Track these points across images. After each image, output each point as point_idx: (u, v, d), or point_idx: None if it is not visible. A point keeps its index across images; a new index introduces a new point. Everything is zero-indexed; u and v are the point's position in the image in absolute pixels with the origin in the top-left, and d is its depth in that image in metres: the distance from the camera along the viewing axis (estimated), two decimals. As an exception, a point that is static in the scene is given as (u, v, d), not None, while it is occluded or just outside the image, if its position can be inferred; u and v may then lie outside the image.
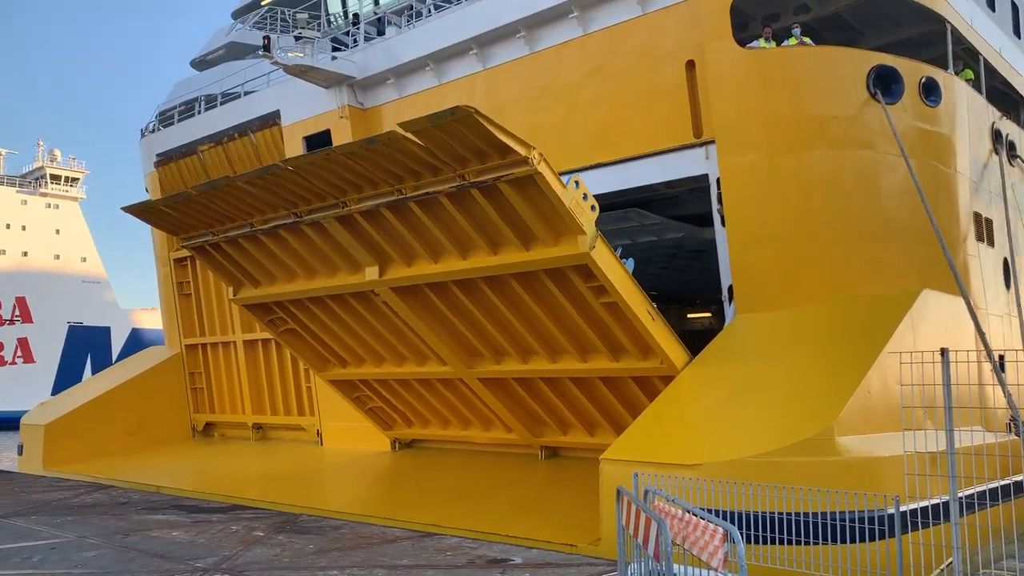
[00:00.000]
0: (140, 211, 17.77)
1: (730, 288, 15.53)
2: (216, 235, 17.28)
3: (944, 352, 9.39)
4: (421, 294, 15.95)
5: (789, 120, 14.89)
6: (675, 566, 6.10)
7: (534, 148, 12.03)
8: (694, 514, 6.32)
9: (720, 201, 15.47)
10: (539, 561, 10.78)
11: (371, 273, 15.87)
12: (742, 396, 12.63)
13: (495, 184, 12.68)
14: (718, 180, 15.48)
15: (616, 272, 13.68)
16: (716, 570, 5.85)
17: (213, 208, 16.35)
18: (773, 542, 9.34)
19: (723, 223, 15.53)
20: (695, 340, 38.82)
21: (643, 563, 6.86)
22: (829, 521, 9.50)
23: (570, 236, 13.11)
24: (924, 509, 10.10)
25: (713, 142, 15.51)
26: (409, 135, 12.34)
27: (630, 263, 14.46)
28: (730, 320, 15.39)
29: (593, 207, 12.94)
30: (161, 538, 12.68)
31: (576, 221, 12.70)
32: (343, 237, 15.47)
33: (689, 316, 39.20)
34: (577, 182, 12.59)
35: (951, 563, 9.91)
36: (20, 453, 25.67)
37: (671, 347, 14.59)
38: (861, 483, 10.26)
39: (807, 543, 9.51)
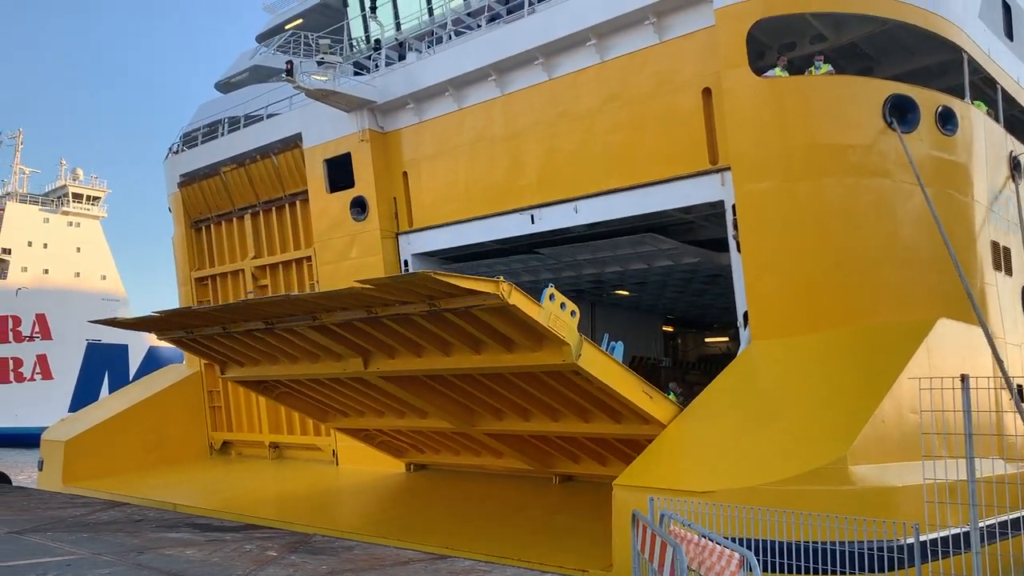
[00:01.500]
0: (112, 323, 18.43)
1: (745, 314, 15.58)
2: (190, 333, 17.08)
3: (964, 378, 9.39)
4: (411, 377, 15.70)
5: (805, 148, 15.00)
6: None
7: (502, 282, 11.47)
8: (710, 539, 6.29)
9: (736, 227, 15.57)
10: None
11: (355, 365, 15.61)
12: (756, 423, 12.65)
13: (467, 311, 12.32)
14: (734, 207, 15.59)
15: (606, 370, 13.31)
16: None
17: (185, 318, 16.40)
18: (789, 570, 9.34)
19: (739, 249, 15.62)
20: (713, 364, 38.97)
21: None
22: (847, 549, 9.47)
23: (554, 347, 12.79)
24: (944, 539, 10.11)
25: (729, 169, 15.65)
26: (371, 289, 12.08)
27: (619, 348, 14.32)
28: (745, 346, 15.43)
29: (573, 312, 12.50)
30: (175, 556, 12.67)
31: (557, 335, 12.33)
32: (320, 339, 15.09)
33: (707, 340, 39.19)
34: (553, 294, 12.20)
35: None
36: (40, 468, 25.93)
37: (669, 415, 14.14)
38: (874, 512, 10.18)
39: (825, 571, 9.50)
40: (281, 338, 15.55)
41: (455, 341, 13.78)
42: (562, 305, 12.33)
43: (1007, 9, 19.19)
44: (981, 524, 9.73)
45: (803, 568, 9.21)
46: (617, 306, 30.24)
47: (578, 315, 12.66)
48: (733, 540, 9.58)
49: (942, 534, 10.26)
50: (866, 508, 10.37)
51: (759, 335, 15.06)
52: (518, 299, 11.60)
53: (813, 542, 9.39)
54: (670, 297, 27.99)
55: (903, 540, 10.04)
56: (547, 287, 12.27)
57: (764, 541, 9.42)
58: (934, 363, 13.14)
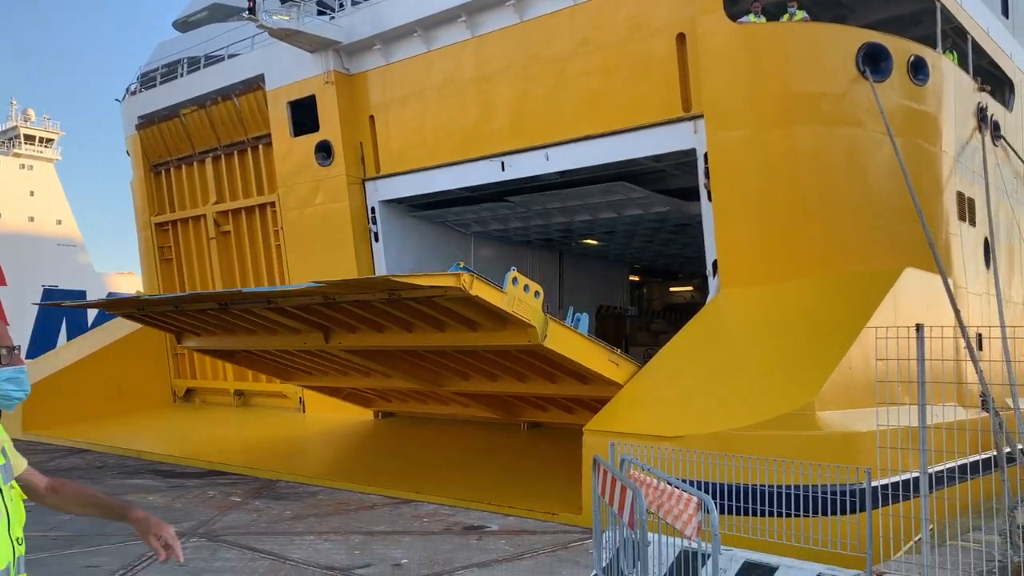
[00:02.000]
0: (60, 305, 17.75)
1: (715, 263, 15.62)
2: (142, 309, 16.70)
3: (919, 327, 9.56)
4: (374, 349, 15.48)
5: (778, 96, 14.91)
6: (649, 534, 6.18)
7: (463, 275, 11.37)
8: (669, 483, 6.38)
9: (707, 175, 15.50)
10: (515, 528, 10.90)
11: (315, 340, 15.31)
12: (724, 370, 12.74)
13: (429, 299, 12.23)
14: (706, 155, 15.50)
15: (572, 346, 13.16)
16: (690, 538, 5.94)
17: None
18: (747, 512, 9.47)
19: (709, 198, 15.58)
20: (678, 313, 39.24)
21: (618, 531, 6.95)
22: (803, 493, 9.61)
23: (519, 329, 12.58)
24: (896, 484, 10.32)
25: (702, 116, 15.52)
26: (329, 289, 12.02)
27: (584, 320, 14.14)
28: (713, 294, 15.49)
29: (537, 293, 12.37)
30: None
31: (522, 318, 12.17)
32: (278, 319, 14.79)
33: (672, 289, 39.44)
34: (516, 278, 12.03)
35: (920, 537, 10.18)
36: (-2, 416, 25.45)
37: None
38: (839, 457, 10.31)
39: (781, 515, 9.64)
40: (235, 317, 15.21)
41: (417, 322, 13.62)
42: (525, 287, 12.18)
43: (979, -43, 19.10)
44: (932, 470, 10.05)
45: (761, 511, 9.31)
46: (585, 255, 30.22)
47: (542, 295, 12.53)
48: (697, 484, 9.74)
49: (894, 479, 10.46)
50: (831, 453, 10.53)
51: (728, 283, 15.12)
52: (480, 289, 11.49)
53: (770, 486, 9.53)
54: (638, 246, 28.01)
55: (858, 484, 10.25)
56: (510, 271, 12.14)
57: (726, 485, 9.61)
58: (900, 312, 13.29)
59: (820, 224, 14.82)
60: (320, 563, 8.99)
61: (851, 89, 14.96)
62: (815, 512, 9.48)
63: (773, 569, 6.73)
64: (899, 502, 10.53)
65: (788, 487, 9.51)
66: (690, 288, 39.87)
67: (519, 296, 11.99)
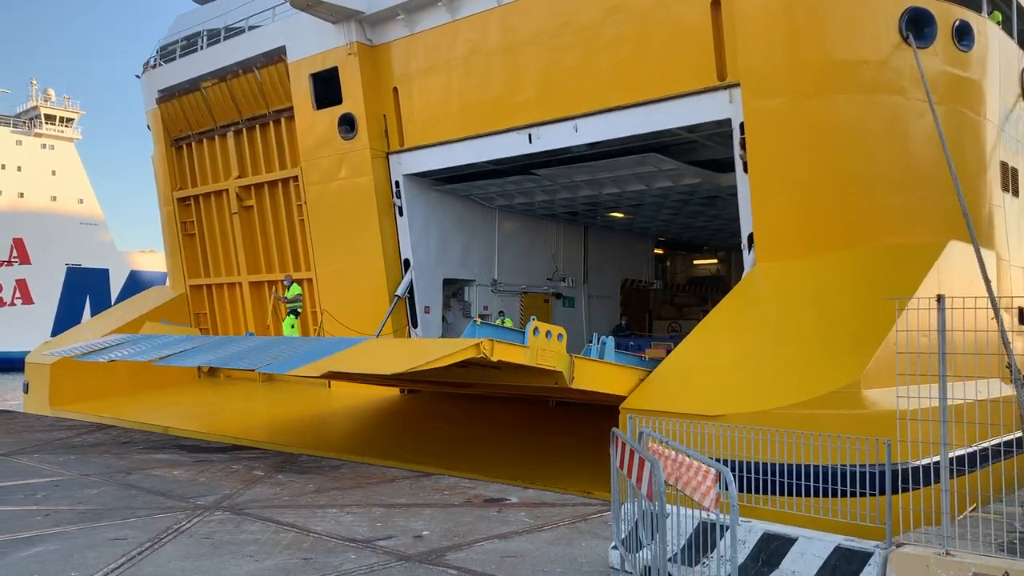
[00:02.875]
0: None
1: (750, 236, 15.21)
2: None
3: (940, 298, 9.46)
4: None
5: (817, 63, 14.41)
6: (668, 506, 6.16)
7: (482, 343, 11.24)
8: (687, 455, 6.32)
9: (743, 146, 15.07)
10: (534, 500, 10.90)
11: None
12: (764, 346, 12.42)
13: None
14: (742, 125, 15.07)
15: (601, 378, 12.85)
16: (708, 510, 5.91)
17: None
18: (772, 490, 9.21)
19: (745, 169, 15.16)
20: (701, 287, 38.87)
21: (636, 503, 6.91)
22: (835, 471, 9.32)
23: (546, 374, 12.35)
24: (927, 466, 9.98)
25: (738, 85, 15.06)
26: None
27: (610, 344, 13.94)
28: (749, 269, 15.11)
29: (560, 336, 12.17)
30: (162, 476, 12.77)
31: (547, 367, 11.97)
32: None
33: (696, 263, 39.03)
34: (536, 328, 11.89)
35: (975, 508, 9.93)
36: (26, 391, 25.58)
37: None
38: (887, 436, 10.06)
39: (810, 494, 9.36)
40: None
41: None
42: (547, 334, 12.02)
43: (1024, -85, 18.36)
44: (979, 446, 9.83)
45: (791, 488, 9.04)
46: (610, 229, 29.85)
47: (565, 337, 12.31)
48: (728, 464, 9.46)
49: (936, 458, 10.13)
50: (879, 432, 10.20)
51: (764, 257, 14.72)
52: (501, 352, 11.45)
53: (796, 464, 9.28)
54: (664, 219, 27.59)
55: (907, 463, 9.95)
56: (530, 321, 12.00)
57: (745, 463, 9.41)
58: (944, 286, 12.87)
59: (860, 196, 14.37)
60: (343, 535, 9.04)
61: (893, 56, 14.44)
62: (843, 492, 9.18)
63: (792, 540, 6.68)
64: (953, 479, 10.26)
65: (816, 465, 9.27)
66: (715, 261, 39.45)
67: (541, 346, 11.88)
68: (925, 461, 9.60)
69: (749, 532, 6.86)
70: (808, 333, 12.33)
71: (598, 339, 14.07)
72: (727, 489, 5.63)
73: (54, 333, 60.26)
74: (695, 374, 12.31)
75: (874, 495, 8.84)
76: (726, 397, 11.21)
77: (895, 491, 8.87)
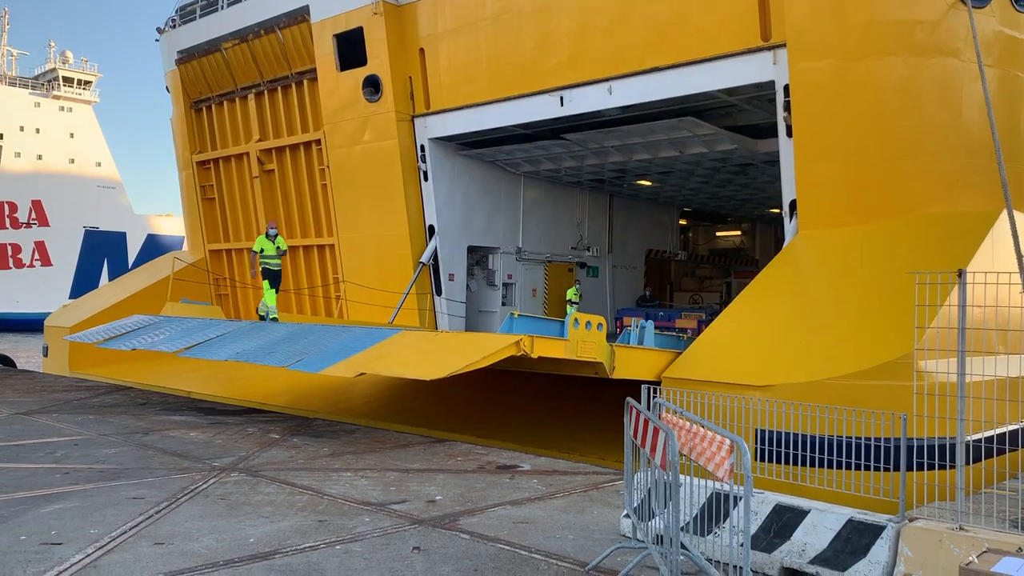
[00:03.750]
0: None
1: (792, 202, 14.68)
2: None
3: (961, 273, 9.13)
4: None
5: (868, 24, 13.77)
6: (681, 477, 6.14)
7: (523, 339, 11.03)
8: (702, 426, 6.28)
9: (788, 109, 14.49)
10: (547, 468, 10.87)
11: None
12: (811, 316, 11.98)
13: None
14: (786, 87, 14.47)
15: (642, 365, 12.48)
16: (722, 480, 5.89)
17: None
18: (789, 460, 8.88)
19: (789, 134, 14.59)
20: (724, 258, 38.33)
21: (649, 472, 6.93)
22: (875, 444, 8.98)
23: (587, 365, 12.07)
24: (989, 438, 9.63)
25: (783, 46, 14.45)
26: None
27: (649, 328, 13.58)
28: (791, 236, 14.59)
29: (600, 326, 11.92)
30: (179, 438, 12.86)
31: (588, 359, 11.73)
32: None
33: (719, 234, 38.45)
34: (576, 320, 11.65)
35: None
36: (45, 355, 25.47)
37: None
38: (941, 409, 9.71)
39: (828, 464, 9.05)
40: None
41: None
42: (587, 324, 11.75)
43: None
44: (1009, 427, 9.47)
45: (806, 460, 8.71)
46: (636, 198, 29.32)
47: (604, 326, 12.05)
48: (762, 434, 9.15)
49: (987, 433, 9.80)
50: (934, 405, 9.80)
51: (808, 224, 14.20)
52: (542, 348, 11.28)
53: (819, 435, 8.94)
54: (692, 188, 27.02)
55: (945, 438, 9.58)
56: (569, 313, 11.77)
57: (767, 431, 9.10)
58: (998, 257, 12.36)
59: (910, 162, 13.79)
60: (357, 498, 9.07)
61: (947, 16, 13.77)
62: (860, 466, 8.82)
63: (804, 512, 6.72)
64: (992, 457, 9.89)
65: (840, 437, 8.94)
66: (738, 233, 38.88)
67: (582, 338, 11.65)
68: (974, 438, 9.19)
69: (761, 503, 6.91)
70: (857, 302, 11.86)
71: (636, 323, 13.67)
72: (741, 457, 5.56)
73: (72, 295, 60.51)
74: (740, 344, 11.88)
75: (892, 470, 8.57)
76: (775, 367, 10.81)
77: (919, 467, 8.59)
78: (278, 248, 18.06)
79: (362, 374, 11.89)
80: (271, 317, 17.96)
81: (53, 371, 24.24)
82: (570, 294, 25.54)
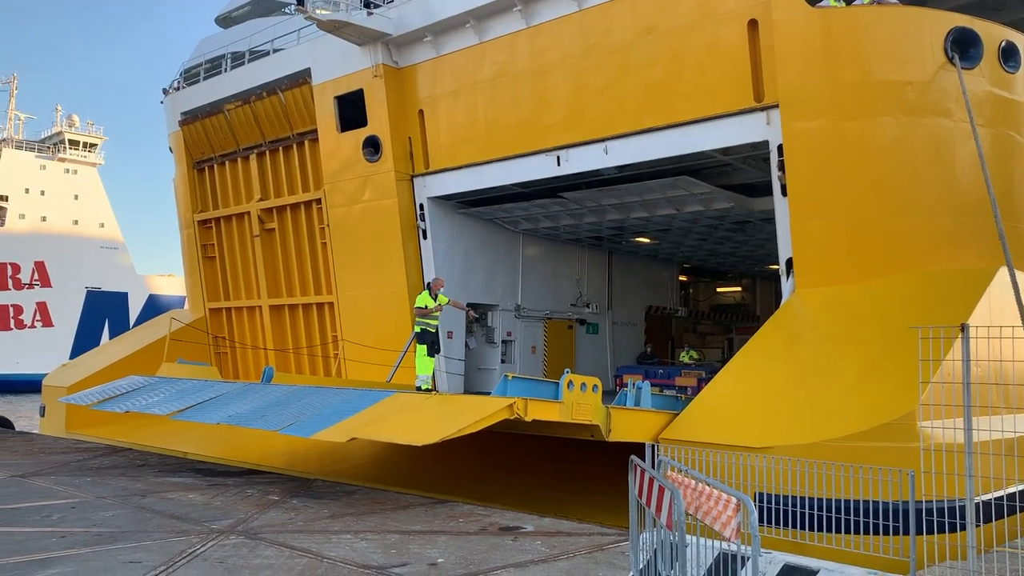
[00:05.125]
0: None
1: (789, 261, 14.73)
2: None
3: (964, 327, 9.30)
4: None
5: (860, 84, 14.01)
6: (687, 536, 6.11)
7: (516, 401, 10.96)
8: (707, 484, 6.26)
9: (782, 168, 14.64)
10: (550, 529, 10.74)
11: None
12: (810, 376, 11.91)
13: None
14: (780, 147, 14.64)
15: (640, 427, 12.36)
16: (729, 540, 5.84)
17: None
18: (796, 523, 8.75)
19: (784, 192, 14.71)
20: (724, 314, 38.25)
21: (655, 533, 6.86)
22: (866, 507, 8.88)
23: (582, 427, 11.96)
24: (998, 500, 9.50)
25: (776, 106, 14.66)
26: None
27: (645, 389, 13.43)
28: (788, 295, 14.60)
29: (595, 387, 11.84)
30: (177, 500, 12.73)
31: (584, 421, 11.62)
32: None
33: (719, 290, 38.47)
34: (571, 382, 11.55)
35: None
36: (42, 415, 25.30)
37: None
38: (948, 467, 9.61)
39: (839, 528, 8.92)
40: None
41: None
42: (582, 386, 11.67)
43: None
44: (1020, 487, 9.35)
45: (815, 521, 8.56)
46: (634, 255, 29.42)
47: (600, 388, 11.96)
48: (763, 496, 9.01)
49: (997, 494, 9.65)
50: (936, 465, 9.68)
51: (805, 283, 14.22)
52: (536, 411, 11.21)
53: (823, 497, 8.83)
54: (690, 245, 27.13)
55: (953, 500, 9.48)
56: (565, 374, 11.66)
57: (767, 495, 9.01)
58: (995, 314, 12.34)
59: (904, 220, 13.89)
60: (357, 561, 8.93)
61: (938, 76, 14.02)
62: (870, 527, 8.69)
63: (814, 572, 6.53)
64: (1003, 519, 9.73)
65: (846, 500, 8.82)
66: (738, 289, 38.89)
67: (576, 400, 11.54)
68: (988, 497, 9.06)
69: (770, 563, 6.77)
70: (855, 361, 11.80)
71: (633, 383, 13.58)
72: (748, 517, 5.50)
73: (72, 355, 60.30)
74: (738, 404, 11.80)
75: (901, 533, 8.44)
76: (774, 428, 10.70)
77: (928, 529, 8.44)
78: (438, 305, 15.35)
79: (354, 439, 11.75)
80: (424, 387, 15.27)
81: (50, 432, 24.03)
82: (683, 357, 24.55)
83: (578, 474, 15.41)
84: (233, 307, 26.97)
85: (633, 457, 7.35)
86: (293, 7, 20.78)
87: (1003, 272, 13.18)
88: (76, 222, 76.74)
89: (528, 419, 10.88)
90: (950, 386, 10.62)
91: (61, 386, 24.29)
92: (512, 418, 10.77)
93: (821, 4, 14.41)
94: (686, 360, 22.11)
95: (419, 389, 15.17)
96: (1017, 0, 16.07)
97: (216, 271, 27.47)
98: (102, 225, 78.64)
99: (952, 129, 14.00)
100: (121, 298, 77.55)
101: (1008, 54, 14.60)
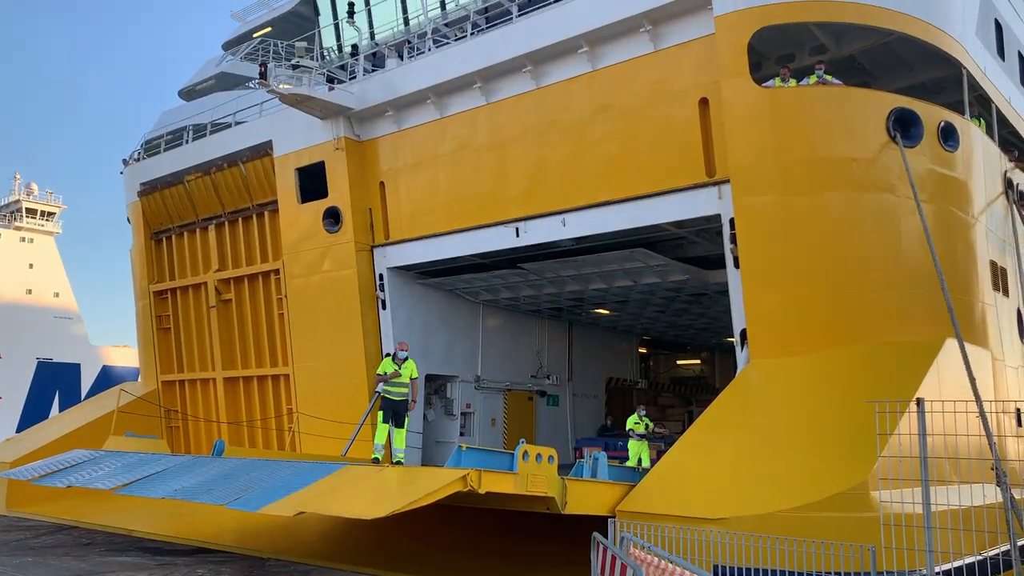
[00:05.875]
0: None
1: (743, 332, 14.91)
2: None
3: (920, 402, 9.57)
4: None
5: (808, 161, 14.46)
6: None
7: (469, 473, 10.71)
8: (671, 561, 6.28)
9: (734, 241, 14.94)
10: None
11: None
12: (763, 446, 11.95)
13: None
14: (731, 220, 14.98)
15: (596, 500, 12.22)
16: None
17: None
18: None
19: (736, 265, 14.98)
20: (685, 387, 38.34)
21: None
22: None
23: (537, 500, 11.75)
24: (957, 570, 9.52)
25: (727, 182, 15.06)
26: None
27: (602, 460, 13.37)
28: (743, 365, 14.74)
29: (551, 458, 11.68)
30: None
31: (540, 493, 11.44)
32: None
33: (679, 362, 38.66)
34: (526, 452, 11.36)
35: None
36: (-18, 492, 24.23)
37: None
38: (897, 540, 9.64)
39: None
40: None
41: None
42: (537, 457, 11.50)
43: (999, 28, 18.98)
44: (976, 558, 9.45)
45: None
46: (595, 326, 29.57)
47: (556, 458, 11.82)
48: (733, 571, 8.91)
49: (956, 564, 9.70)
50: (889, 536, 9.70)
51: (758, 354, 14.38)
52: (490, 483, 10.93)
53: (787, 571, 8.81)
54: (649, 317, 27.39)
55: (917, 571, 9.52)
56: (520, 444, 11.49)
57: (734, 569, 8.93)
58: (944, 385, 12.58)
59: (854, 292, 14.19)
60: None
61: (882, 154, 14.54)
62: None
63: None
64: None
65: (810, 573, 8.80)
66: (698, 361, 39.16)
67: (532, 471, 11.35)
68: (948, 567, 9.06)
69: None
70: (809, 433, 11.89)
71: (590, 455, 13.48)
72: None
73: (20, 429, 58.39)
74: (694, 476, 11.75)
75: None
76: (728, 499, 10.66)
77: None
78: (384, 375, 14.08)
79: (301, 512, 11.45)
80: (395, 460, 14.31)
81: (-11, 508, 23.04)
82: (630, 423, 21.57)
83: (539, 548, 15.12)
84: (187, 379, 26.45)
85: (596, 534, 7.24)
86: (256, 81, 21.02)
87: (951, 344, 13.47)
88: (30, 291, 75.21)
89: (482, 491, 10.66)
90: (904, 458, 10.76)
91: (3, 461, 23.41)
92: (466, 490, 10.54)
93: (768, 84, 14.97)
94: (637, 428, 19.87)
95: (375, 461, 14.83)
96: (955, 83, 16.77)
97: (171, 343, 27.00)
98: (57, 294, 77.15)
99: (897, 204, 14.46)
100: (73, 369, 75.64)
101: (947, 134, 15.21)
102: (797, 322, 14.21)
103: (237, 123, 24.35)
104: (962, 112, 16.03)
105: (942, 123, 15.13)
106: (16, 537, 16.64)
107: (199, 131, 25.80)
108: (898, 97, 14.98)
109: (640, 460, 17.76)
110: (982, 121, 17.16)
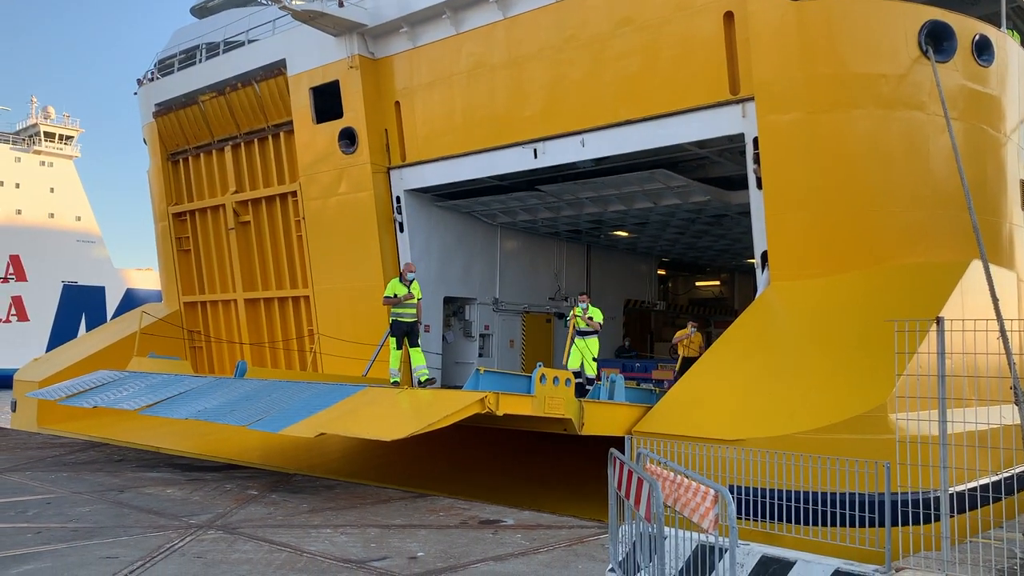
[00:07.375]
0: None
1: (764, 254, 14.72)
2: None
3: (939, 320, 9.32)
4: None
5: (834, 77, 13.99)
6: (666, 528, 6.11)
7: (487, 396, 10.78)
8: (686, 476, 6.28)
9: (757, 162, 14.62)
10: (530, 522, 10.71)
11: None
12: (783, 369, 11.90)
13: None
14: (755, 140, 14.62)
15: (613, 421, 12.30)
16: (707, 531, 5.87)
17: None
18: (773, 515, 8.73)
19: (759, 185, 14.69)
20: (703, 308, 38.32)
21: (634, 525, 6.87)
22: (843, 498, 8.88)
23: (555, 421, 11.84)
24: (972, 491, 9.55)
25: (752, 99, 14.63)
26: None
27: (619, 383, 13.30)
28: (763, 288, 14.59)
29: (568, 381, 11.72)
30: (155, 495, 12.52)
31: (557, 415, 11.52)
32: None
33: (698, 284, 38.55)
34: (544, 375, 11.41)
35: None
36: (13, 410, 24.93)
37: None
38: (912, 458, 9.64)
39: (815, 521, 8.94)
40: None
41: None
42: (555, 380, 11.55)
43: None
44: (993, 478, 9.44)
45: (793, 513, 8.55)
46: (613, 248, 29.40)
47: (573, 381, 11.89)
48: (733, 488, 8.96)
49: (971, 485, 9.70)
50: (907, 457, 9.69)
51: (779, 276, 14.22)
52: (507, 405, 11.03)
53: (798, 490, 8.83)
54: (669, 238, 27.14)
55: (929, 492, 9.53)
56: (537, 368, 11.52)
57: (742, 487, 9.01)
58: (968, 307, 12.38)
59: (879, 213, 13.90)
60: (336, 556, 8.87)
61: (912, 70, 14.03)
62: (845, 518, 8.70)
63: (791, 564, 6.73)
64: (976, 509, 9.79)
65: (825, 493, 8.83)
66: (717, 283, 39.01)
67: (549, 394, 11.41)
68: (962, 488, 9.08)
69: (747, 555, 6.90)
70: (829, 355, 11.80)
71: (607, 377, 13.51)
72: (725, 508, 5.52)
73: (48, 350, 59.66)
74: (712, 397, 11.76)
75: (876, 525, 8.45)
76: (746, 421, 10.68)
77: (902, 520, 8.47)
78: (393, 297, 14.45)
79: (322, 434, 11.63)
80: (426, 379, 14.81)
81: (21, 427, 23.66)
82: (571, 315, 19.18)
83: (558, 467, 15.37)
84: (208, 301, 26.70)
85: (613, 450, 7.33)
86: (268, -4, 20.55)
87: (976, 265, 13.23)
88: (52, 215, 75.81)
89: (500, 413, 10.76)
90: (923, 378, 10.67)
91: (31, 381, 23.94)
92: (483, 412, 10.64)
93: (797, -3, 14.37)
94: (578, 324, 15.45)
95: (396, 383, 15.05)
96: (991, -7, 16.10)
97: (191, 264, 27.17)
98: (78, 218, 77.73)
99: (926, 122, 14.03)
100: (98, 292, 76.73)
101: (982, 48, 14.63)
102: (820, 243, 13.99)
103: (250, 41, 23.89)
104: (998, 24, 15.39)
105: (977, 36, 14.54)
106: (51, 453, 17.08)
107: (212, 50, 25.38)
108: (931, 9, 14.34)
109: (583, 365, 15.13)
110: (1016, 33, 16.47)
